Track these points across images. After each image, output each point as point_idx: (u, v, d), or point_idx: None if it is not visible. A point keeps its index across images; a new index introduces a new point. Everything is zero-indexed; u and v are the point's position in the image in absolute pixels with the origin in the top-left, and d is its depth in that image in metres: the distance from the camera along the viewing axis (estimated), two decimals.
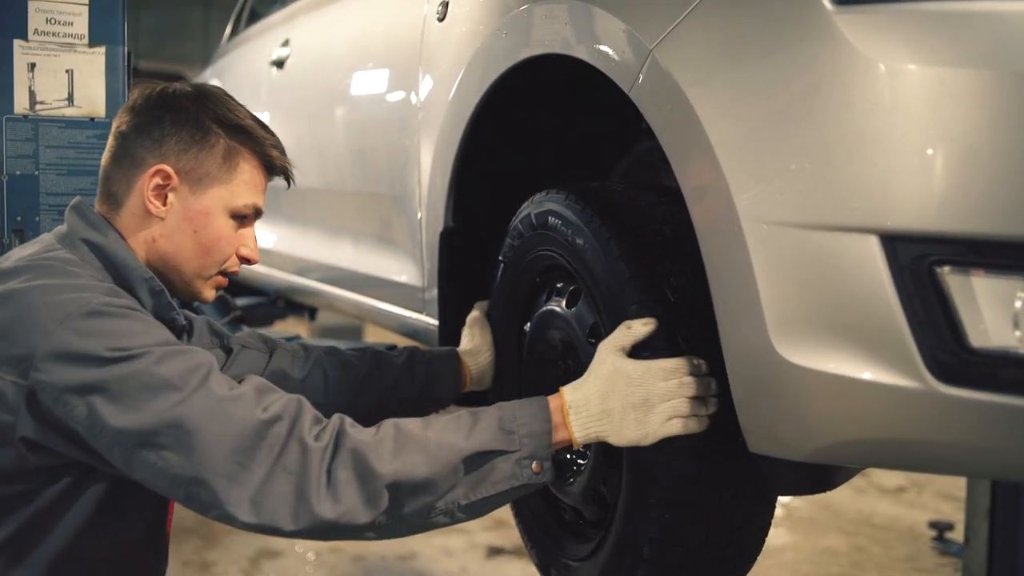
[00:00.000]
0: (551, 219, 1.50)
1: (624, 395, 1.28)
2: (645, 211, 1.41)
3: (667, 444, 1.30)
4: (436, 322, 1.96)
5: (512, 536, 3.89)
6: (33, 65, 2.16)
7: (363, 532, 1.23)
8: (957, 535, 3.69)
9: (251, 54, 3.47)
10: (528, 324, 1.65)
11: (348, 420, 1.26)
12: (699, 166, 1.22)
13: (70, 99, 2.19)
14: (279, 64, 3.00)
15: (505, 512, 1.72)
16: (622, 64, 1.35)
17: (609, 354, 1.31)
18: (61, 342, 1.19)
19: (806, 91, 1.12)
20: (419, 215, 2.00)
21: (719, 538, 1.38)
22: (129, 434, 1.18)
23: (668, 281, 1.33)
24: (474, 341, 1.75)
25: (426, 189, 1.95)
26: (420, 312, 2.08)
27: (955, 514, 3.90)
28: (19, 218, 2.16)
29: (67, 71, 2.18)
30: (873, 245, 1.08)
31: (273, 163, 1.46)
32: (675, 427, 1.28)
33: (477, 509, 1.27)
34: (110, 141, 1.43)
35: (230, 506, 1.18)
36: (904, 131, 1.07)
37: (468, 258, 1.86)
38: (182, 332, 1.49)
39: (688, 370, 1.29)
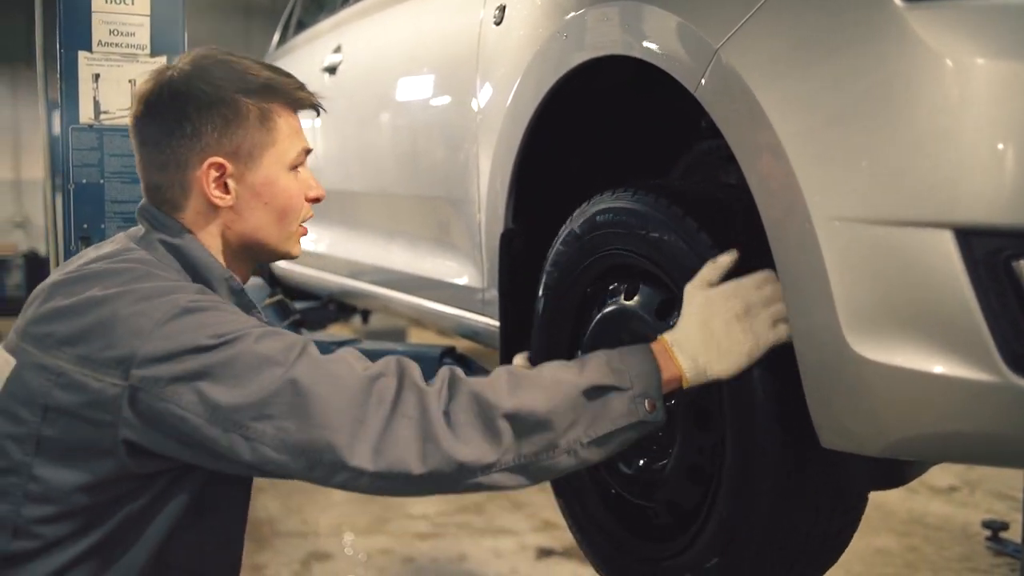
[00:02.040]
0: (622, 217, 1.50)
1: (724, 312, 1.28)
2: (726, 205, 1.43)
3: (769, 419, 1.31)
4: (495, 322, 1.98)
5: (562, 537, 3.90)
6: (97, 76, 2.22)
7: (491, 473, 1.22)
8: (1012, 535, 3.66)
9: (301, 61, 3.52)
10: (592, 323, 1.66)
11: (457, 368, 1.27)
12: (769, 165, 1.23)
13: None
14: (331, 71, 3.04)
15: (555, 514, 1.73)
16: (686, 64, 1.36)
17: (698, 290, 1.32)
18: (161, 340, 1.21)
19: (876, 87, 1.13)
20: (478, 218, 2.03)
21: (823, 521, 1.40)
22: (242, 409, 1.18)
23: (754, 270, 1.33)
24: None
25: (485, 192, 1.97)
26: (479, 313, 2.10)
27: (1009, 514, 3.86)
28: (86, 226, 2.22)
29: (130, 81, 2.24)
30: (947, 240, 1.08)
31: (303, 103, 1.47)
32: (783, 331, 1.27)
33: (598, 448, 1.27)
34: (140, 150, 1.41)
35: (355, 459, 1.18)
36: (976, 125, 1.07)
37: (528, 259, 1.87)
38: None
39: (775, 292, 1.29)
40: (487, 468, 1.22)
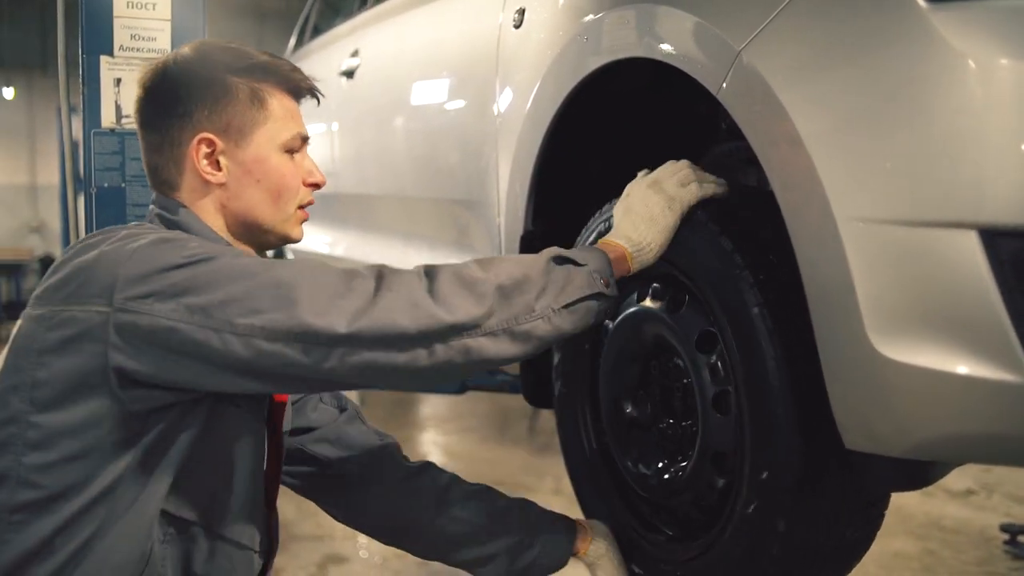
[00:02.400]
0: None
1: (640, 193, 1.47)
2: (748, 208, 1.43)
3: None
4: None
5: None
6: (119, 80, 2.23)
7: (478, 337, 1.26)
8: None
9: (318, 65, 3.53)
10: (614, 323, 1.67)
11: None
12: (792, 167, 1.23)
13: None
14: (349, 74, 3.05)
15: (574, 512, 1.74)
16: (708, 66, 1.37)
17: (631, 186, 1.52)
18: (141, 263, 1.22)
19: (901, 89, 1.13)
20: (497, 221, 2.03)
21: (845, 523, 1.40)
22: (229, 305, 1.20)
23: (777, 273, 1.34)
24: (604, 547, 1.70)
25: (505, 195, 1.98)
26: None
27: None
28: None
29: None
30: (972, 240, 1.08)
31: (298, 87, 1.47)
32: (693, 189, 1.45)
33: (569, 315, 1.34)
34: (140, 133, 1.44)
35: (347, 326, 1.19)
36: (1001, 125, 1.07)
37: None
38: None
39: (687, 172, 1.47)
40: (474, 328, 1.25)
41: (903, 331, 1.14)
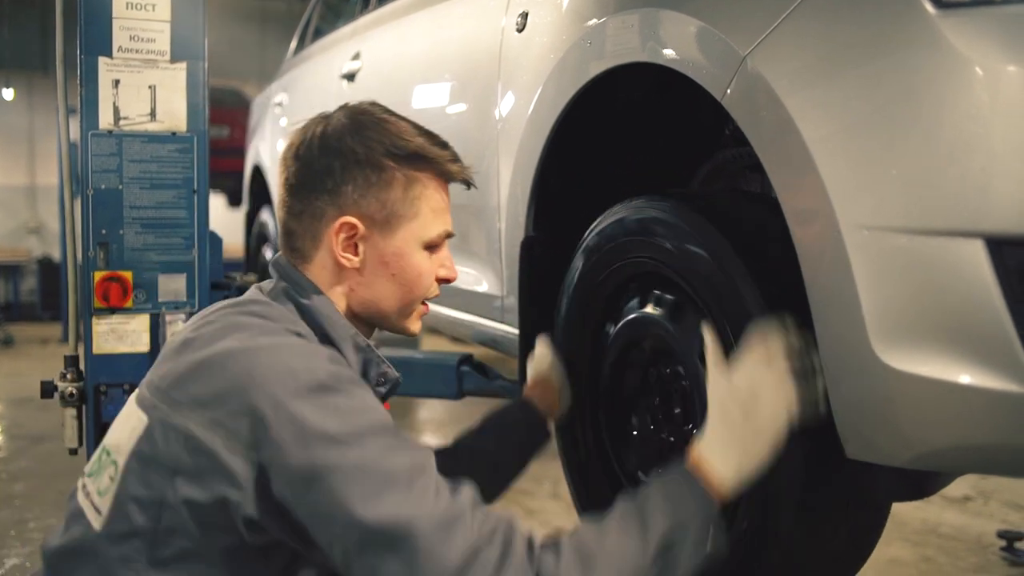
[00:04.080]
0: (650, 225, 1.50)
1: (740, 411, 1.26)
2: (751, 214, 1.42)
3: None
4: (514, 330, 1.98)
5: None
6: (117, 81, 2.22)
7: None
8: None
9: (320, 68, 3.52)
10: (611, 332, 1.66)
11: (548, 550, 1.17)
12: (797, 173, 1.22)
13: (152, 114, 2.24)
14: (350, 77, 3.04)
15: (567, 522, 1.73)
16: (713, 72, 1.36)
17: (713, 385, 1.30)
18: (294, 421, 1.14)
19: (908, 95, 1.12)
20: (498, 225, 2.02)
21: (846, 531, 1.40)
22: (356, 527, 1.11)
23: (781, 280, 1.33)
24: (544, 379, 1.73)
25: (505, 200, 1.97)
26: (498, 320, 2.10)
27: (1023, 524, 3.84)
28: (104, 231, 2.22)
29: (150, 87, 2.24)
30: (978, 249, 1.07)
31: (453, 177, 1.41)
32: (785, 419, 1.26)
33: None
34: (282, 193, 1.37)
35: None
36: (1007, 133, 1.06)
37: (548, 266, 1.87)
38: (395, 384, 1.43)
39: (782, 347, 1.27)
40: None
41: (907, 340, 1.14)
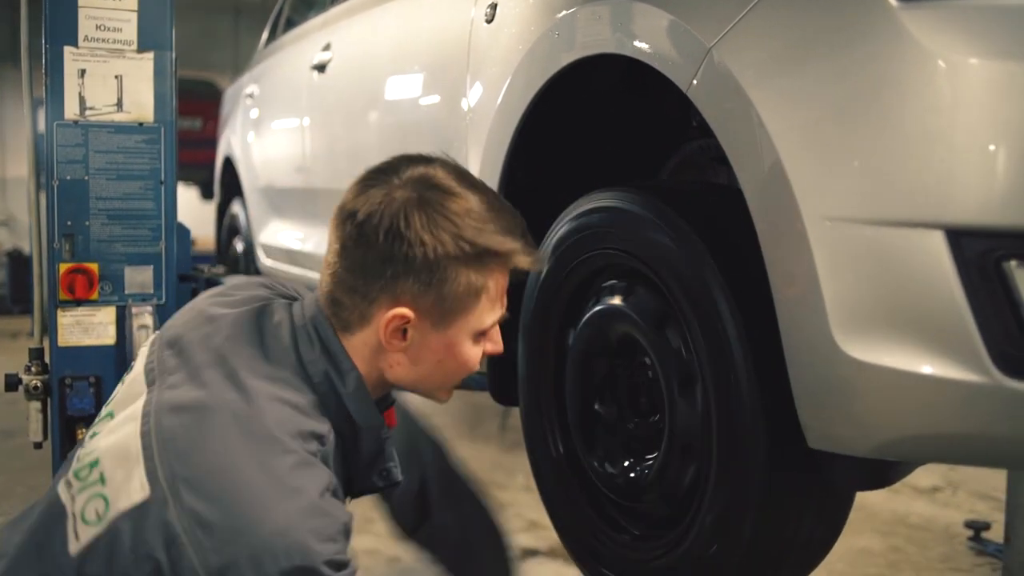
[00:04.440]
0: (612, 217, 1.50)
1: None
2: (718, 206, 1.43)
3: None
4: None
5: (547, 537, 3.88)
6: (83, 71, 2.19)
7: None
8: (993, 535, 3.67)
9: (291, 59, 3.50)
10: (581, 322, 1.66)
11: None
12: (760, 164, 1.23)
13: (119, 104, 2.22)
14: (320, 68, 3.02)
15: (539, 514, 1.73)
16: (679, 63, 1.36)
17: None
18: None
19: (870, 88, 1.13)
20: None
21: (810, 521, 1.41)
22: None
23: (748, 271, 1.32)
24: None
25: None
26: None
27: (991, 514, 3.87)
28: (69, 222, 2.19)
29: (116, 77, 2.21)
30: (938, 240, 1.08)
31: (523, 269, 1.32)
32: None
33: None
34: (339, 259, 1.28)
35: None
36: (969, 126, 1.07)
37: None
38: (393, 486, 1.43)
39: None
40: None
41: (868, 331, 1.15)
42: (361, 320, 1.28)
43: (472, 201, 1.27)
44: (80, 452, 1.28)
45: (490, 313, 1.31)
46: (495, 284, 1.29)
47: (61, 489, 1.26)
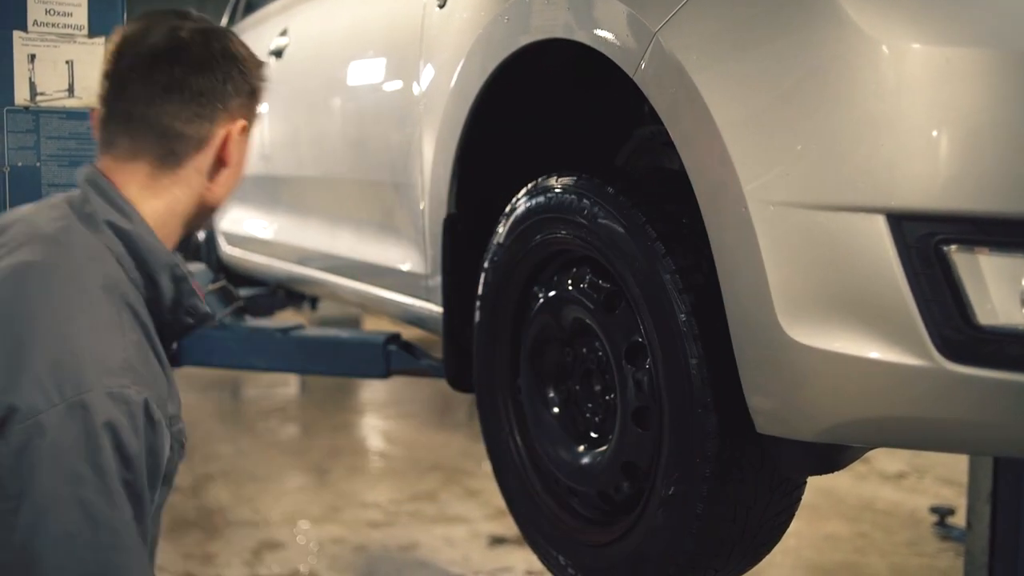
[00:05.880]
0: (570, 202, 1.49)
1: None
2: (671, 192, 1.42)
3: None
4: (439, 309, 1.96)
5: (514, 525, 3.89)
6: (33, 56, 2.16)
7: None
8: (958, 520, 3.71)
9: (248, 43, 3.46)
10: (532, 310, 1.65)
11: None
12: (705, 149, 1.22)
13: (70, 90, 2.19)
14: (277, 54, 2.99)
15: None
16: (625, 48, 1.35)
17: None
18: (65, 432, 1.13)
19: (812, 72, 1.13)
20: (422, 203, 2.00)
21: (761, 506, 1.40)
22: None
23: (701, 258, 1.32)
24: None
25: (428, 177, 1.95)
26: (423, 299, 2.08)
27: (956, 499, 3.91)
28: None
29: (67, 62, 2.18)
30: (880, 224, 1.08)
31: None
32: None
33: None
34: (164, 98, 1.32)
35: None
36: (910, 111, 1.07)
37: (471, 244, 1.85)
38: (203, 318, 1.42)
39: None
40: None
41: (813, 316, 1.15)
42: (199, 142, 1.35)
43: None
44: None
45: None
46: None
47: None
